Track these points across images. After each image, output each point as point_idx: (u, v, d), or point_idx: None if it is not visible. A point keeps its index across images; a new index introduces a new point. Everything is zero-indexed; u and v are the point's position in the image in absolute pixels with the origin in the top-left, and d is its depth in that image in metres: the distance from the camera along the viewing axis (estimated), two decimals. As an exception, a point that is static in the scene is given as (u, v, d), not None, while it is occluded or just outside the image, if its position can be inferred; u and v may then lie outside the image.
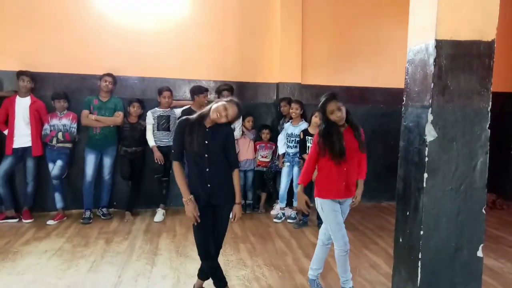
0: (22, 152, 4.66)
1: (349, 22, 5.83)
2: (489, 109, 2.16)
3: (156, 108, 4.96)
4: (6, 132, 4.64)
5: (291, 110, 4.90)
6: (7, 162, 4.61)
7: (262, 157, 5.32)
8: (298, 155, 4.81)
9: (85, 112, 4.76)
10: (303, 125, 4.82)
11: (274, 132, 5.41)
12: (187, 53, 5.37)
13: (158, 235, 4.34)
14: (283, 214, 5.04)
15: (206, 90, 4.93)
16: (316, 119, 4.56)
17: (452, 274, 2.16)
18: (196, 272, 2.97)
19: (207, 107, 2.67)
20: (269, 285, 3.24)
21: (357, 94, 5.84)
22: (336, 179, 2.83)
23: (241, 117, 4.97)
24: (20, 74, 4.63)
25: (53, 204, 4.80)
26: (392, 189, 5.85)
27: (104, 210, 4.93)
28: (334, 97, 2.80)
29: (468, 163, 2.13)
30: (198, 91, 4.87)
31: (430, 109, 2.10)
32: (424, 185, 2.11)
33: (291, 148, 4.90)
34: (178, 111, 5.02)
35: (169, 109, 4.99)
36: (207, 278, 2.90)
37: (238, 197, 2.74)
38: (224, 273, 2.85)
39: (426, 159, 2.11)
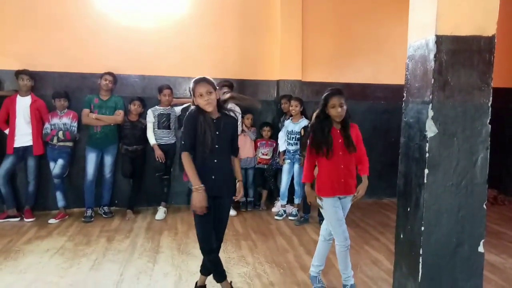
0: (23, 151, 4.67)
1: (350, 19, 5.82)
2: (489, 104, 2.16)
3: (156, 106, 4.96)
4: (7, 131, 4.64)
5: (290, 107, 4.90)
6: (8, 162, 4.62)
7: (263, 154, 5.32)
8: (298, 152, 4.81)
9: (86, 111, 4.76)
10: (303, 122, 4.82)
11: (275, 129, 5.41)
12: (188, 51, 5.36)
13: (159, 233, 4.35)
14: (284, 211, 5.04)
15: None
16: None
17: (453, 270, 2.16)
18: (198, 269, 2.97)
19: (196, 111, 2.61)
20: (270, 282, 3.24)
21: (357, 90, 5.83)
22: (334, 176, 2.82)
23: (240, 114, 4.97)
24: (19, 73, 4.63)
25: (55, 203, 4.81)
26: (393, 185, 5.86)
27: (106, 208, 4.94)
28: (339, 93, 2.78)
29: (469, 158, 2.13)
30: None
31: (431, 104, 2.10)
32: (425, 181, 2.11)
33: (292, 145, 4.90)
34: (178, 109, 5.03)
35: (169, 107, 4.99)
36: (210, 274, 2.90)
37: (239, 176, 2.78)
38: (225, 270, 2.85)
39: (427, 155, 2.10)
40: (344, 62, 5.84)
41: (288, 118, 5.04)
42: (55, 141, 4.68)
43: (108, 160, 4.90)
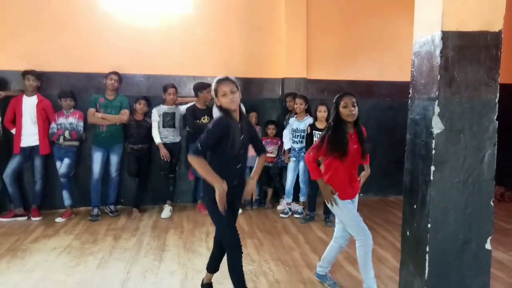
0: (30, 151, 4.70)
1: (354, 16, 5.80)
2: (496, 100, 2.14)
3: (161, 105, 4.97)
4: (13, 131, 4.68)
5: (295, 105, 4.89)
6: (15, 161, 4.65)
7: (268, 152, 5.31)
8: (304, 150, 4.80)
9: (92, 110, 4.78)
10: (308, 120, 4.81)
11: (280, 127, 5.40)
12: (192, 50, 5.37)
13: (165, 231, 4.37)
14: (290, 209, 5.04)
15: (209, 85, 4.92)
16: (321, 113, 4.55)
17: (460, 267, 2.14)
18: (204, 267, 2.97)
19: (219, 111, 2.54)
20: (276, 280, 3.24)
21: (363, 88, 5.80)
22: (347, 179, 2.81)
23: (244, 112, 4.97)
24: (25, 73, 4.66)
25: (61, 202, 4.85)
26: (399, 183, 5.84)
27: (112, 207, 4.96)
28: (350, 93, 2.79)
29: (476, 155, 2.11)
30: (201, 87, 4.88)
31: (437, 101, 2.08)
32: (432, 178, 2.10)
33: (297, 143, 4.89)
34: (183, 108, 5.03)
35: (174, 106, 5.00)
36: (216, 271, 2.90)
37: (257, 174, 2.71)
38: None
39: (433, 151, 2.09)
40: (349, 60, 5.81)
41: (293, 116, 5.03)
42: (61, 140, 4.71)
43: (114, 159, 4.92)
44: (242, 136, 2.52)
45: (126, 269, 3.39)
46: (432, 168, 2.09)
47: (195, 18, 5.38)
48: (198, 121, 4.78)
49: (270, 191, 5.47)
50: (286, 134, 5.08)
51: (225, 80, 2.51)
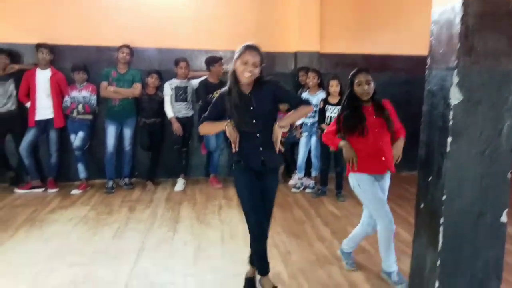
0: (45, 124, 4.76)
1: (370, -13, 5.63)
2: (517, 70, 2.07)
3: (173, 79, 4.96)
4: (28, 104, 4.73)
5: (308, 80, 4.83)
6: (30, 134, 4.72)
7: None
8: (316, 125, 4.76)
9: (104, 84, 4.80)
10: (321, 94, 4.75)
11: (292, 102, 5.35)
12: (203, 23, 5.30)
13: (179, 204, 4.43)
14: (302, 184, 5.05)
15: (220, 58, 4.90)
16: (333, 87, 4.49)
17: (474, 240, 2.13)
18: (217, 239, 3.02)
19: (230, 75, 2.39)
20: (288, 251, 3.29)
21: (377, 62, 5.69)
22: (373, 153, 2.70)
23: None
24: (39, 46, 4.67)
25: (77, 175, 4.94)
26: (412, 159, 5.75)
27: (126, 180, 5.04)
28: (365, 70, 2.71)
29: (494, 126, 2.06)
30: (212, 61, 4.85)
31: (456, 70, 2.02)
32: (448, 150, 2.06)
33: (309, 118, 4.85)
34: (195, 82, 5.01)
35: (186, 80, 4.98)
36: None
37: (285, 121, 2.41)
38: (244, 241, 2.83)
39: (450, 122, 2.04)
40: (364, 33, 5.67)
41: (306, 91, 4.98)
42: (74, 114, 4.76)
43: (127, 133, 4.96)
44: (252, 108, 2.35)
45: (141, 239, 3.47)
46: (449, 139, 2.05)
47: (206, -10, 5.29)
48: (210, 95, 4.75)
49: (281, 166, 5.47)
50: (298, 108, 5.03)
51: (253, 49, 2.31)
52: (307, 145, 4.95)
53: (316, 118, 4.72)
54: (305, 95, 4.91)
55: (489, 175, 2.08)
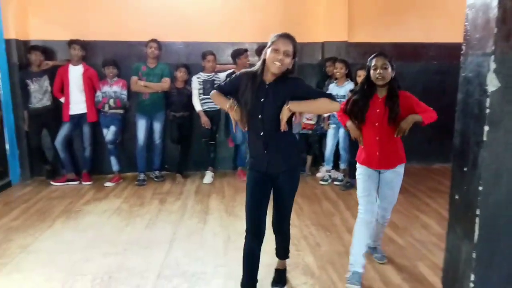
0: (78, 119, 4.92)
1: (399, -29, 5.46)
2: (560, 55, 1.96)
3: (200, 73, 5.00)
4: (62, 99, 4.89)
5: (335, 70, 4.76)
6: (65, 128, 4.88)
7: (307, 119, 5.23)
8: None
9: (134, 78, 4.90)
10: (349, 85, 4.67)
11: (319, 94, 5.29)
12: (229, 16, 5.30)
13: (208, 196, 4.49)
14: (330, 176, 5.01)
15: (246, 50, 4.89)
16: (361, 78, 4.39)
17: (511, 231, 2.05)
18: (244, 231, 3.01)
19: (259, 62, 2.26)
20: (317, 243, 3.28)
21: (408, 50, 5.54)
22: (368, 146, 2.67)
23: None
24: (71, 42, 4.81)
25: (110, 167, 5.08)
26: (445, 151, 5.64)
27: (157, 172, 5.14)
28: (383, 54, 2.60)
29: (533, 114, 1.97)
30: (238, 53, 4.86)
31: (493, 56, 1.93)
32: (484, 139, 1.98)
33: (337, 109, 4.77)
34: (222, 75, 5.03)
35: (213, 73, 5.01)
36: (287, 257, 2.71)
37: (296, 105, 2.20)
38: (271, 233, 2.57)
39: (487, 110, 1.95)
40: (394, 20, 5.51)
41: (333, 82, 4.91)
42: (106, 108, 4.88)
43: (157, 126, 5.05)
44: (262, 100, 2.21)
45: (172, 230, 3.54)
46: (486, 128, 1.97)
47: (231, -18, 5.28)
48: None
49: (309, 159, 5.44)
50: (326, 100, 4.97)
51: (287, 37, 2.18)
52: (335, 137, 4.89)
53: (345, 109, 4.64)
54: (332, 86, 4.84)
55: (529, 165, 1.99)
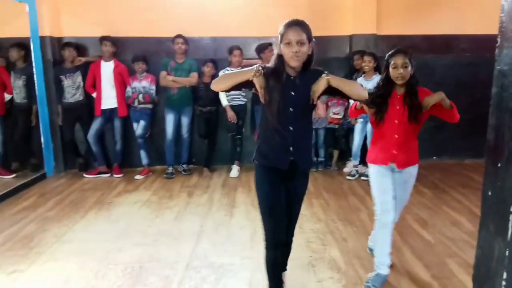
0: (110, 113, 5.06)
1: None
2: None
3: (227, 68, 5.03)
4: (94, 95, 5.04)
5: (363, 64, 4.68)
6: (97, 123, 5.04)
7: (334, 114, 5.20)
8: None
9: (163, 73, 4.99)
10: (377, 78, 4.54)
11: (347, 88, 5.23)
12: (255, 10, 5.29)
13: (234, 190, 4.55)
14: (357, 171, 4.96)
15: (270, 44, 4.88)
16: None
17: (548, 230, 1.99)
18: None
19: (274, 57, 2.11)
20: (343, 238, 3.26)
21: (440, 43, 5.38)
22: (384, 144, 2.56)
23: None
24: (102, 39, 4.94)
25: (139, 161, 5.21)
26: (476, 145, 5.47)
27: (185, 166, 5.24)
28: (403, 52, 2.50)
29: None
30: (262, 48, 4.87)
31: (530, 48, 1.87)
32: (520, 134, 1.92)
33: (365, 104, 4.72)
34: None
35: (240, 67, 5.02)
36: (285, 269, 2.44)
37: (334, 78, 2.03)
38: (298, 226, 2.59)
39: (523, 105, 1.90)
40: (425, 12, 5.36)
41: (361, 75, 4.84)
42: (136, 103, 5.00)
43: (185, 121, 5.13)
44: (293, 93, 2.05)
45: (200, 222, 3.62)
46: (521, 123, 1.91)
47: (257, -26, 5.26)
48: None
49: (336, 153, 5.40)
50: (354, 94, 4.91)
51: (295, 25, 2.02)
52: (362, 131, 4.84)
53: (373, 104, 4.57)
54: (360, 80, 4.77)
55: None
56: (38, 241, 3.28)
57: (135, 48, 5.21)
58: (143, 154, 5.14)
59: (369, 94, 2.53)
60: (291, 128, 2.08)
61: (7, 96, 5.04)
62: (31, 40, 4.90)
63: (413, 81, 2.53)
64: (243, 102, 5.15)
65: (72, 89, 5.00)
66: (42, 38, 5.03)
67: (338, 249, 3.07)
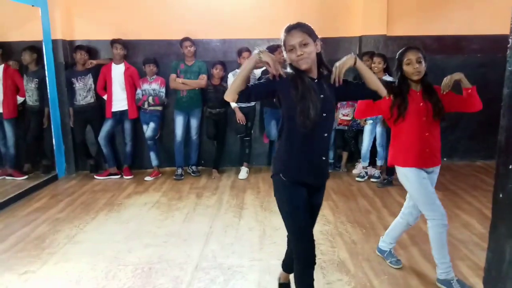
0: (120, 115, 5.11)
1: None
2: None
3: (236, 70, 5.04)
4: (105, 97, 5.10)
5: (373, 65, 4.65)
6: (108, 124, 5.09)
7: (343, 115, 5.18)
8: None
9: (173, 76, 5.03)
10: (387, 79, 4.57)
11: (356, 89, 5.21)
12: (264, 12, 5.30)
13: (243, 191, 4.56)
14: (366, 173, 4.93)
15: (279, 46, 4.85)
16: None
17: (561, 233, 1.96)
18: (280, 225, 3.04)
19: (289, 67, 2.02)
20: (352, 240, 3.25)
21: (450, 43, 5.34)
22: (417, 144, 2.49)
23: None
24: (113, 42, 4.99)
25: (149, 162, 5.26)
26: (488, 147, 5.41)
27: (194, 167, 5.26)
28: (416, 48, 2.49)
29: None
30: (271, 50, 4.78)
31: (542, 49, 1.85)
32: (531, 136, 1.90)
33: (375, 105, 4.69)
34: (258, 72, 5.05)
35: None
36: (291, 273, 2.27)
37: (364, 66, 2.02)
38: None
39: (535, 106, 1.88)
40: (436, 12, 5.31)
41: (371, 77, 4.81)
42: (145, 105, 5.05)
43: (194, 122, 5.16)
44: (322, 96, 1.93)
45: (209, 224, 3.63)
46: (533, 124, 1.89)
47: (267, -24, 5.27)
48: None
49: (345, 155, 5.38)
50: (363, 95, 4.89)
51: (292, 29, 1.94)
52: (372, 133, 4.82)
53: (382, 105, 4.55)
54: (370, 81, 4.75)
55: None
56: (49, 242, 3.32)
57: (145, 50, 5.26)
58: (152, 155, 5.18)
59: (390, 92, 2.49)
60: (325, 135, 1.98)
61: (19, 99, 5.13)
62: (43, 43, 4.98)
63: (427, 77, 2.51)
64: (252, 104, 5.16)
65: (84, 91, 5.06)
66: (54, 42, 5.11)
67: (347, 251, 3.06)
